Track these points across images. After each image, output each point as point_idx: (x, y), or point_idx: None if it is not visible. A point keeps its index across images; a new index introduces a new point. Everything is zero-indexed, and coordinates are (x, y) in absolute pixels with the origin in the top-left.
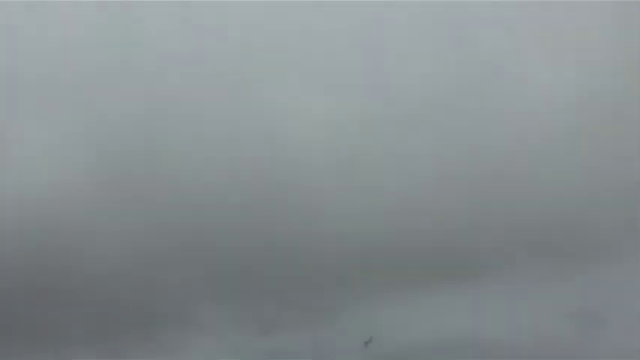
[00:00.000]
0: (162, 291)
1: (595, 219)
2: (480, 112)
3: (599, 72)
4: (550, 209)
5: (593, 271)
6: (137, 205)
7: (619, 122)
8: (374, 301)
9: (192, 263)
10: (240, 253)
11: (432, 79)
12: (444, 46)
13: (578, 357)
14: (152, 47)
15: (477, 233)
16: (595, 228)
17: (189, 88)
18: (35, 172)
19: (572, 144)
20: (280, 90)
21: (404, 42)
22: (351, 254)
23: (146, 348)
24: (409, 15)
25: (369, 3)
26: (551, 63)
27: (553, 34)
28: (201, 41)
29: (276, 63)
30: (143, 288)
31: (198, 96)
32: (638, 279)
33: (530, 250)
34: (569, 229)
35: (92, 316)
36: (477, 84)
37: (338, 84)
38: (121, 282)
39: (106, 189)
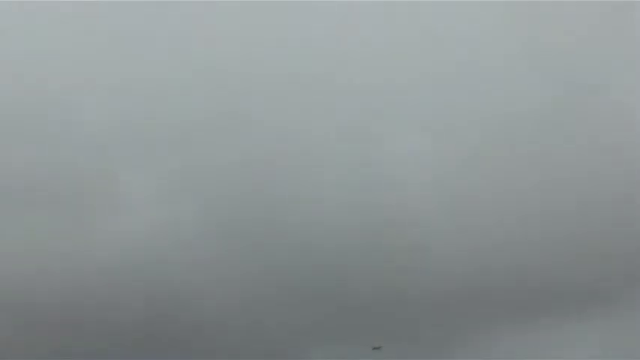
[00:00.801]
0: (277, 332)
1: None
2: (585, 144)
3: None
4: None
5: None
6: (249, 249)
7: None
8: (486, 335)
9: (305, 304)
10: (353, 293)
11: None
12: (544, 82)
13: None
14: (261, 94)
15: (587, 264)
16: None
17: (299, 133)
18: (144, 219)
19: None
20: (393, 137)
21: (505, 80)
22: (461, 290)
23: None
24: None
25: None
26: None
27: None
28: (312, 90)
29: (390, 114)
30: (256, 331)
31: (305, 140)
32: None
33: None
34: None
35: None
36: (580, 116)
37: (443, 126)
38: (233, 326)
39: (215, 235)
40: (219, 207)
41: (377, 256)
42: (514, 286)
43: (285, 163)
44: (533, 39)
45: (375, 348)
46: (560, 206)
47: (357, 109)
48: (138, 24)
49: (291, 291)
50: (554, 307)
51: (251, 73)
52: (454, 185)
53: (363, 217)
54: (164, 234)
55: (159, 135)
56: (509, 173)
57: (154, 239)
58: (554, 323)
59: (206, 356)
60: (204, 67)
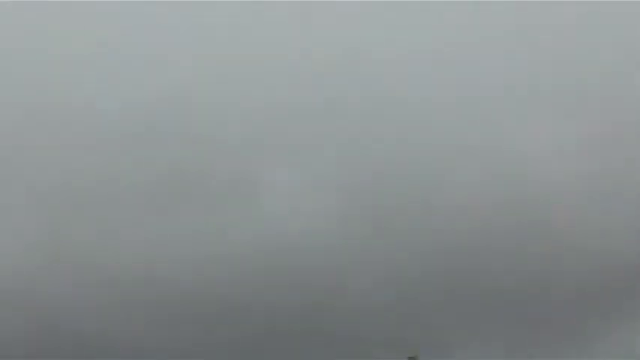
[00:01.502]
0: (424, 325)
1: None
2: None
3: None
4: None
5: None
6: (397, 253)
7: None
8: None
9: (453, 299)
10: (496, 285)
11: None
12: None
13: None
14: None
15: None
16: None
17: (437, 122)
18: (288, 220)
19: None
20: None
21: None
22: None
23: None
24: None
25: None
26: None
27: None
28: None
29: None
30: (405, 318)
31: (442, 129)
32: None
33: None
34: None
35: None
36: None
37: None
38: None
39: (360, 237)
40: (364, 195)
41: (520, 252)
42: None
43: (427, 151)
44: None
45: (410, 358)
46: None
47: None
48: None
49: (436, 276)
50: None
51: (392, 59)
52: (592, 174)
53: (506, 201)
54: (311, 224)
55: (303, 125)
56: None
57: (302, 229)
58: None
59: (353, 343)
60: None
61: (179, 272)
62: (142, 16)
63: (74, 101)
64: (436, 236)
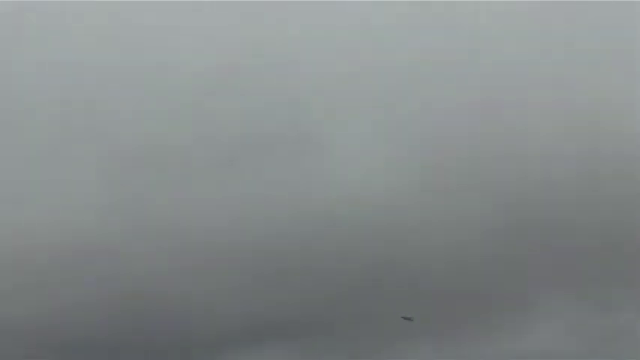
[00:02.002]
0: (504, 277)
1: None
2: None
3: None
4: None
5: None
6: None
7: None
8: None
9: (536, 251)
10: (586, 243)
11: None
12: None
13: None
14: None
15: None
16: None
17: None
18: (356, 166)
19: None
20: None
21: None
22: None
23: (488, 334)
24: None
25: None
26: None
27: None
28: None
29: None
30: (487, 276)
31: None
32: None
33: None
34: None
35: (438, 306)
36: None
37: None
38: (462, 272)
39: (437, 191)
40: (429, 152)
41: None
42: None
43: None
44: None
45: (405, 318)
46: None
47: None
48: None
49: (524, 240)
50: None
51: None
52: None
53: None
54: (376, 180)
55: (369, 83)
56: None
57: (366, 187)
58: None
59: (443, 300)
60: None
61: (256, 233)
62: None
63: (151, 63)
64: (515, 188)
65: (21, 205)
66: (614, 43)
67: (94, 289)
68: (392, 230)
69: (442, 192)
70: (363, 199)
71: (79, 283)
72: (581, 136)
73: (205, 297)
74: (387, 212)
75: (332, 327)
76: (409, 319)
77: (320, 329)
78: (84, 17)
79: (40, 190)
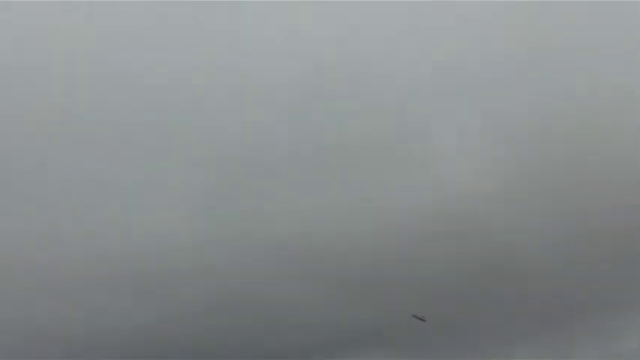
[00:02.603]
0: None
1: None
2: None
3: None
4: None
5: None
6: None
7: None
8: None
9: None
10: None
11: None
12: None
13: None
14: None
15: None
16: None
17: None
18: (457, 168)
19: None
20: None
21: None
22: None
23: (583, 338)
24: None
25: None
26: None
27: None
28: None
29: None
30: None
31: None
32: None
33: None
34: None
35: (527, 311)
36: None
37: None
38: (566, 273)
39: (533, 193)
40: (535, 151)
41: None
42: None
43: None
44: None
45: (416, 317)
46: None
47: None
48: None
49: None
50: None
51: None
52: None
53: None
54: (479, 182)
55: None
56: None
57: (470, 189)
58: None
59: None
60: None
61: (356, 239)
62: None
63: (237, 71)
64: (614, 191)
65: (122, 211)
66: None
67: (189, 297)
68: (498, 230)
69: (548, 190)
70: (467, 200)
71: (174, 292)
72: None
73: (301, 306)
74: (494, 212)
75: (429, 333)
76: (422, 319)
77: (417, 336)
78: (215, 20)
79: (139, 197)
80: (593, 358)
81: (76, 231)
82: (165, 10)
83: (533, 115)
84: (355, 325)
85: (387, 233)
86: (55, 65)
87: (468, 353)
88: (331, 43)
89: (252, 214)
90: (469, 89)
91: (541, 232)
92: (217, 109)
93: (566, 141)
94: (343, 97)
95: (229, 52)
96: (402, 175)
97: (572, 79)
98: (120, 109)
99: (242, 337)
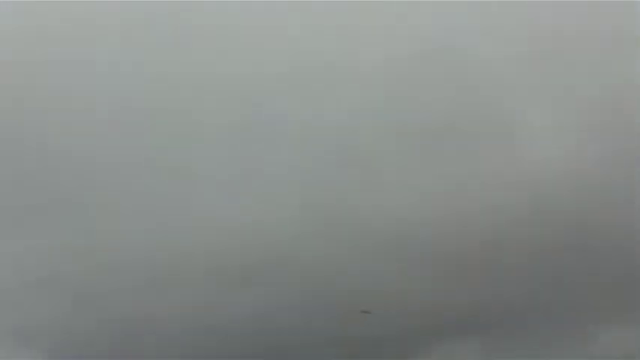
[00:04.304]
0: None
1: None
2: None
3: None
4: None
5: None
6: None
7: None
8: None
9: None
10: None
11: None
12: None
13: None
14: None
15: None
16: None
17: None
18: (541, 151)
19: None
20: None
21: None
22: None
23: None
24: None
25: None
26: None
27: None
28: None
29: None
30: None
31: None
32: None
33: None
34: None
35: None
36: None
37: None
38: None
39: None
40: (617, 137)
41: None
42: None
43: None
44: None
45: (364, 312)
46: None
47: None
48: None
49: None
50: None
51: None
52: None
53: None
54: (562, 167)
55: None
56: None
57: (552, 172)
58: None
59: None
60: None
61: (442, 227)
62: None
63: (337, 60)
64: None
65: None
66: None
67: (286, 288)
68: (580, 217)
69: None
70: (550, 185)
71: (271, 284)
72: None
73: (398, 294)
74: (575, 199)
75: (515, 323)
76: (367, 312)
77: (503, 325)
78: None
79: (238, 187)
80: None
81: (173, 226)
82: None
83: (614, 103)
84: (451, 312)
85: (470, 220)
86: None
87: (564, 335)
88: (412, 35)
89: (347, 203)
90: (548, 76)
91: (634, 214)
92: (312, 96)
93: None
94: (439, 82)
95: (337, 41)
96: (501, 155)
97: None
98: (207, 104)
99: (339, 326)
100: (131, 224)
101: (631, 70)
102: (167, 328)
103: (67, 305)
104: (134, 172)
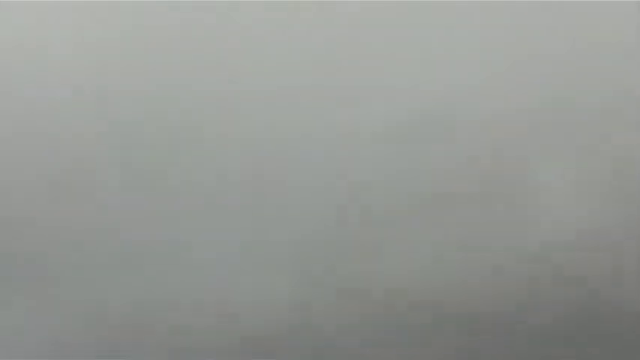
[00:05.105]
0: None
1: None
2: None
3: None
4: None
5: None
6: None
7: None
8: None
9: None
10: None
11: None
12: None
13: None
14: None
15: None
16: None
17: None
18: (556, 228)
19: None
20: None
21: None
22: None
23: None
24: None
25: None
26: None
27: None
28: None
29: None
30: None
31: None
32: None
33: None
34: None
35: None
36: None
37: None
38: None
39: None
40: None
41: None
42: None
43: None
44: None
45: None
46: None
47: None
48: None
49: None
50: None
51: None
52: None
53: None
54: (579, 232)
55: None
56: None
57: (567, 237)
58: None
59: None
60: None
61: (455, 285)
62: None
63: (337, 116)
64: None
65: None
66: None
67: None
68: (598, 287)
69: None
70: (565, 246)
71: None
72: None
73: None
74: (593, 267)
75: None
76: None
77: None
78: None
79: (237, 258)
80: None
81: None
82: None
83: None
84: None
85: (495, 284)
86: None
87: None
88: (429, 91)
89: (353, 270)
90: (565, 134)
91: None
92: (312, 158)
93: None
94: (442, 141)
95: (329, 103)
96: (508, 215)
97: None
98: (209, 166)
99: None
100: (122, 296)
101: None
102: None
103: None
104: (125, 251)
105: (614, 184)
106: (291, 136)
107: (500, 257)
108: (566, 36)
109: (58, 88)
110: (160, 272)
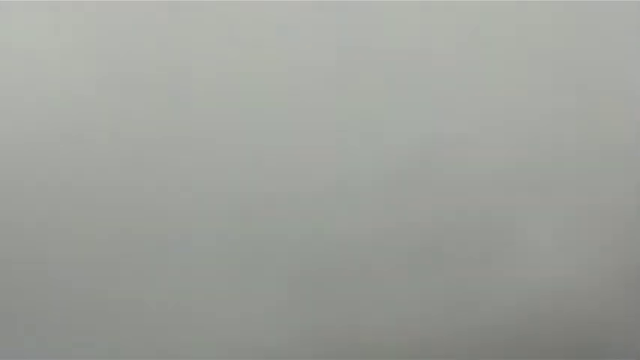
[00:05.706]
0: None
1: None
2: None
3: None
4: None
5: None
6: None
7: None
8: None
9: None
10: None
11: None
12: None
13: None
14: None
15: None
16: None
17: None
18: (543, 267)
19: None
20: None
21: None
22: None
23: None
24: None
25: None
26: None
27: None
28: None
29: None
30: None
31: None
32: None
33: None
34: None
35: None
36: None
37: None
38: None
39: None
40: (628, 248)
41: None
42: None
43: None
44: None
45: None
46: None
47: None
48: None
49: None
50: None
51: None
52: None
53: None
54: (569, 284)
55: (557, 172)
56: None
57: (559, 290)
58: None
59: None
60: None
61: (449, 332)
62: None
63: (327, 169)
64: None
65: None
66: None
67: None
68: (593, 342)
69: None
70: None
71: None
72: None
73: None
74: (585, 322)
75: None
76: None
77: None
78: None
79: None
80: None
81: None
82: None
83: (625, 207)
84: None
85: (484, 339)
86: None
87: None
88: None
89: (338, 325)
90: (556, 176)
91: None
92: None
93: None
94: (429, 194)
95: (323, 149)
96: (491, 273)
97: None
98: (197, 218)
99: None
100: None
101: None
102: None
103: None
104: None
105: (602, 239)
106: (273, 190)
107: (488, 313)
108: (556, 90)
109: (57, 89)
110: (155, 327)
